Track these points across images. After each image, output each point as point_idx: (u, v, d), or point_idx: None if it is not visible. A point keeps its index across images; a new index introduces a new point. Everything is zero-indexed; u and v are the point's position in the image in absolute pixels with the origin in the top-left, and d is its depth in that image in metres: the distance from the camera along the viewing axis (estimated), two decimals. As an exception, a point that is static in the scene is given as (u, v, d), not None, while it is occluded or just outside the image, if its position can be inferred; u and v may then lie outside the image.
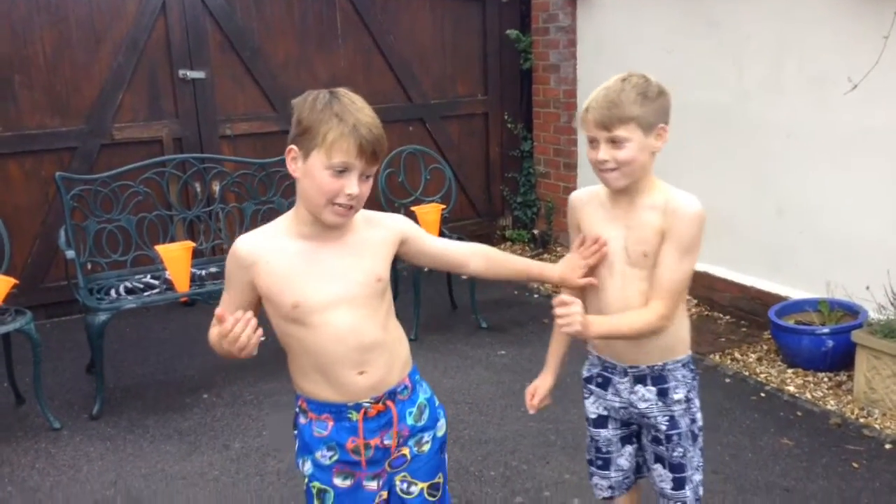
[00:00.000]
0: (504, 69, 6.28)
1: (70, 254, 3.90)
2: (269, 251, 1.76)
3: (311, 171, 1.72)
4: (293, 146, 1.74)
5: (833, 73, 4.02)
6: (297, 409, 1.93)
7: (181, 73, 5.18)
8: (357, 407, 1.84)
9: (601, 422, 2.26)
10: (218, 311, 1.73)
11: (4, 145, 4.82)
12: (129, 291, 3.99)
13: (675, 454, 2.15)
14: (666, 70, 5.01)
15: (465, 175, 6.22)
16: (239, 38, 5.34)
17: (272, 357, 4.07)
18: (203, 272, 4.25)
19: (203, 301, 4.15)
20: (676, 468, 2.17)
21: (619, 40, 5.39)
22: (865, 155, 3.95)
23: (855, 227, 4.06)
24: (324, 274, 1.77)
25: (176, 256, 3.92)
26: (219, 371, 4.25)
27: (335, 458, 1.86)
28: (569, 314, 1.87)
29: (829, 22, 4.05)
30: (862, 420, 3.54)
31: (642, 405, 2.14)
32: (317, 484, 1.90)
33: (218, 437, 3.56)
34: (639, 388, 2.15)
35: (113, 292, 3.97)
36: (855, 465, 3.18)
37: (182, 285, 3.95)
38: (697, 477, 2.20)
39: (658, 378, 2.14)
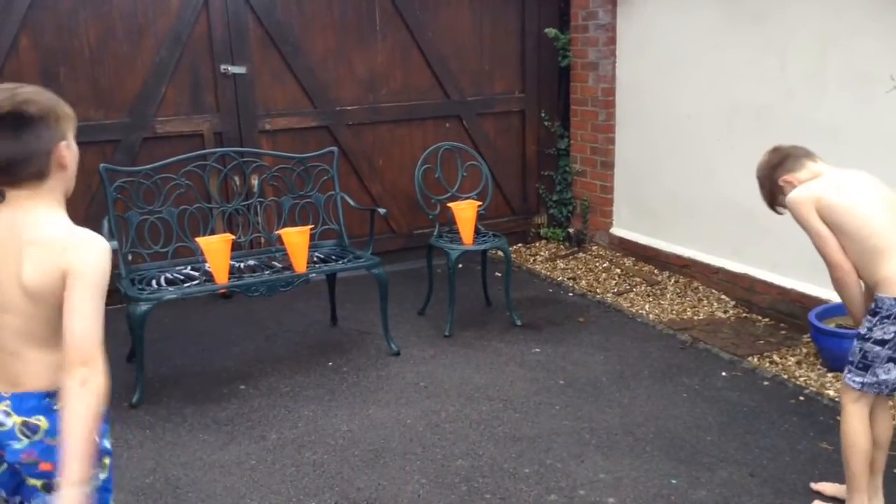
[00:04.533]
0: (542, 66, 6.26)
1: (113, 244, 3.97)
2: None
3: None
4: None
5: (877, 71, 3.96)
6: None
7: (222, 67, 5.24)
8: None
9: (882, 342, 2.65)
10: None
11: (50, 137, 4.91)
12: (169, 282, 4.05)
13: None
14: (709, 67, 4.98)
15: (500, 172, 6.21)
16: (279, 34, 5.38)
17: (307, 351, 4.13)
18: (241, 265, 4.30)
19: (241, 293, 4.20)
20: None
21: (661, 37, 5.35)
22: (911, 156, 3.88)
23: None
24: None
25: (216, 249, 3.97)
26: (255, 363, 4.29)
27: None
28: None
29: (875, 19, 3.98)
30: (904, 426, 3.47)
31: None
32: None
33: (255, 427, 3.60)
34: None
35: (154, 283, 4.03)
36: (895, 471, 3.13)
37: (221, 277, 3.99)
38: None
39: None
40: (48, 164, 1.75)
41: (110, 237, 4.02)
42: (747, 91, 4.74)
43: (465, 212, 4.71)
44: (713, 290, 5.09)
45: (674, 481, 3.13)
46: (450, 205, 4.80)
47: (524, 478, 3.18)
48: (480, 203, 4.85)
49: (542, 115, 6.32)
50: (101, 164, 4.19)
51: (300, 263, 4.16)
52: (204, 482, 3.18)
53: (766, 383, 3.93)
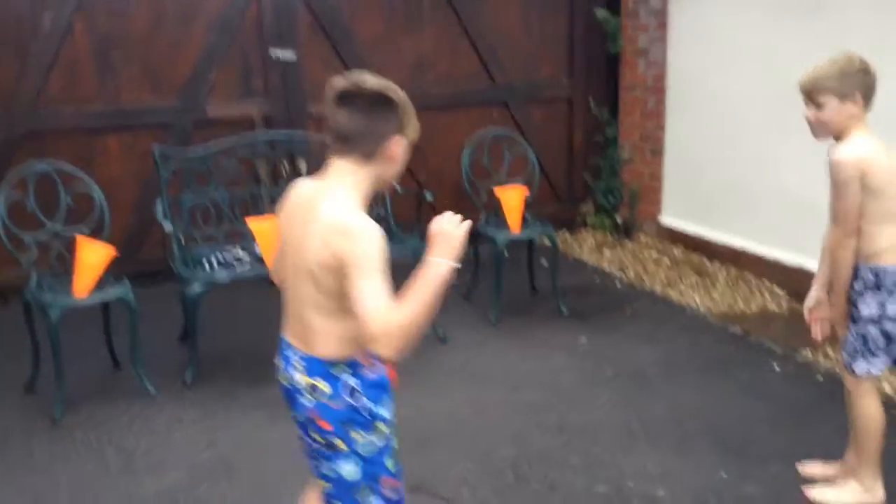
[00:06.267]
0: (590, 53, 6.19)
1: (167, 226, 4.03)
2: None
3: None
4: None
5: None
6: (358, 371, 1.97)
7: (272, 52, 5.27)
8: None
9: None
10: None
11: (104, 119, 5.00)
12: (221, 264, 4.10)
13: None
14: (763, 54, 4.88)
15: (547, 160, 6.15)
16: (328, 19, 5.39)
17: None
18: (290, 248, 4.32)
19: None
20: None
21: (714, 23, 5.25)
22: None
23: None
24: None
25: (266, 231, 4.00)
26: (303, 346, 4.33)
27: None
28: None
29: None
30: (963, 424, 3.39)
31: None
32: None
33: (304, 409, 3.63)
34: None
35: (206, 264, 4.08)
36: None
37: (271, 260, 4.02)
38: None
39: None
40: (378, 149, 1.92)
41: (164, 219, 4.07)
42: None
43: (512, 199, 4.68)
44: (766, 282, 5.00)
45: (724, 475, 3.10)
46: (496, 191, 4.77)
47: (572, 467, 3.17)
48: (527, 190, 4.81)
49: (590, 101, 6.25)
50: (155, 147, 4.25)
51: (348, 248, 4.17)
52: (255, 460, 3.23)
53: (819, 378, 3.86)
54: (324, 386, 1.95)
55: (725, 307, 4.77)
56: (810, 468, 3.09)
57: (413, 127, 1.98)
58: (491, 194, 4.88)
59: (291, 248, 1.98)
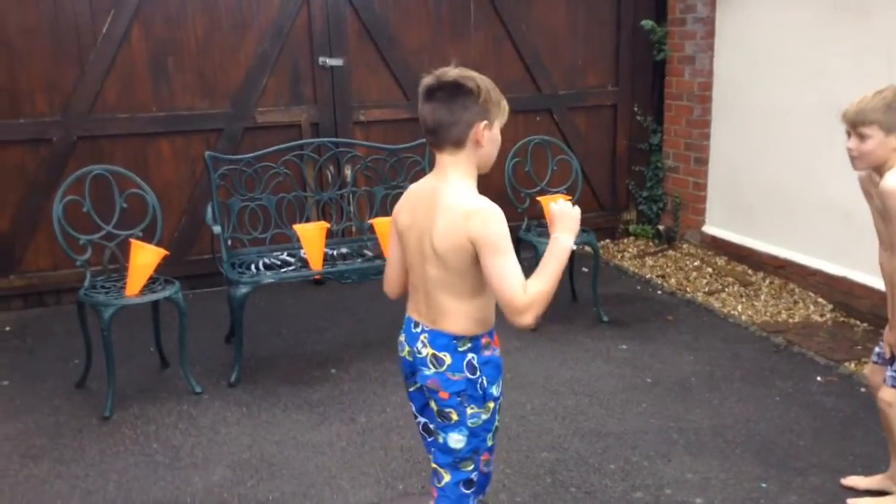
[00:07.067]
0: (636, 60, 6.18)
1: (217, 229, 4.14)
2: None
3: None
4: None
5: None
6: (479, 349, 2.13)
7: (321, 60, 5.38)
8: None
9: None
10: None
11: (158, 124, 5.15)
12: (267, 267, 4.19)
13: None
14: (810, 63, 4.83)
15: (590, 167, 6.16)
16: (376, 27, 5.48)
17: (395, 338, 4.14)
18: (334, 252, 4.41)
19: (334, 280, 4.31)
20: None
21: (761, 32, 5.21)
22: None
23: None
24: None
25: (312, 236, 4.09)
26: (346, 348, 4.41)
27: None
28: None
29: None
30: None
31: None
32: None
33: (345, 410, 3.71)
34: None
35: (253, 267, 4.18)
36: None
37: (316, 264, 4.11)
38: None
39: None
40: (466, 136, 2.03)
41: (213, 222, 4.18)
42: (850, 88, 4.53)
43: (555, 206, 4.69)
44: (810, 293, 4.94)
45: (764, 485, 3.08)
46: (539, 198, 4.80)
47: (609, 473, 3.18)
48: (570, 197, 4.83)
49: (635, 109, 6.24)
50: (206, 152, 4.37)
51: (391, 253, 4.23)
52: (297, 460, 3.30)
53: (862, 390, 3.80)
54: (447, 358, 2.10)
55: (768, 317, 4.73)
56: (852, 480, 3.05)
57: (500, 110, 2.06)
58: (533, 201, 4.91)
59: (416, 238, 2.11)
